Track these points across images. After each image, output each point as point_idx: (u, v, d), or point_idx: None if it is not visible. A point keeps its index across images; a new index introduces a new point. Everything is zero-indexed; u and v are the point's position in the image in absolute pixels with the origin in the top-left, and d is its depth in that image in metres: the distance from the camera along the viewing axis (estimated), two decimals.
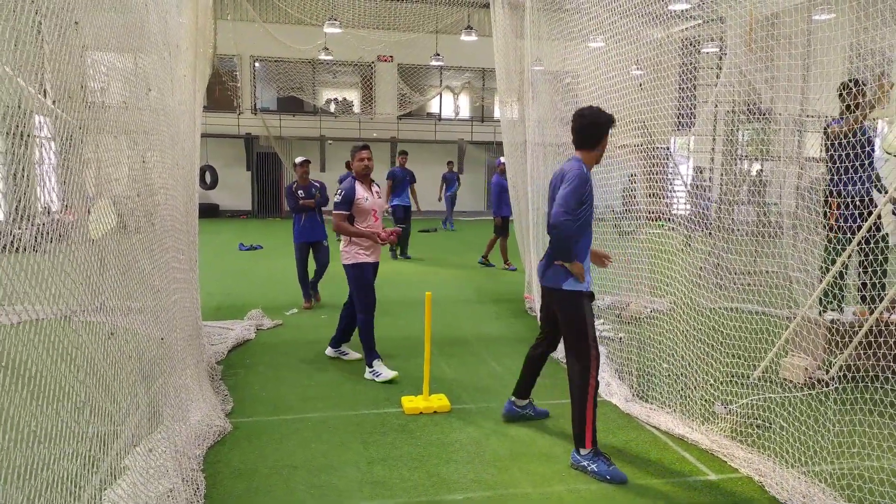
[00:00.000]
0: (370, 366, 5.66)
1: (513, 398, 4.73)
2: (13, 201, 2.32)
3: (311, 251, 8.51)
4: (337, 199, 5.61)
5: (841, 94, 4.94)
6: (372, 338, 5.71)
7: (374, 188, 5.86)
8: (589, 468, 3.89)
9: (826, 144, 5.25)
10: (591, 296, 4.14)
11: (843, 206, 5.24)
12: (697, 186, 8.77)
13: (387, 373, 5.57)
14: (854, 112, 4.82)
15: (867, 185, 5.25)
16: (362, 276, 5.64)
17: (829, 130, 5.13)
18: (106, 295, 2.86)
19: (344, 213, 5.59)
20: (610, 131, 4.16)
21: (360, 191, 5.65)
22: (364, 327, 5.69)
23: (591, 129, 4.10)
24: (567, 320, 4.10)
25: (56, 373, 2.36)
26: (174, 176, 4.47)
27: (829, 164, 5.27)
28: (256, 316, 7.55)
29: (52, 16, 2.48)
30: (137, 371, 3.23)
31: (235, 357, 6.16)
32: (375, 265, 5.78)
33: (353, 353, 6.18)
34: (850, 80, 4.90)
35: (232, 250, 14.14)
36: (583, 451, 3.96)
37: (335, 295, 9.11)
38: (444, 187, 20.20)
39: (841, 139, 4.85)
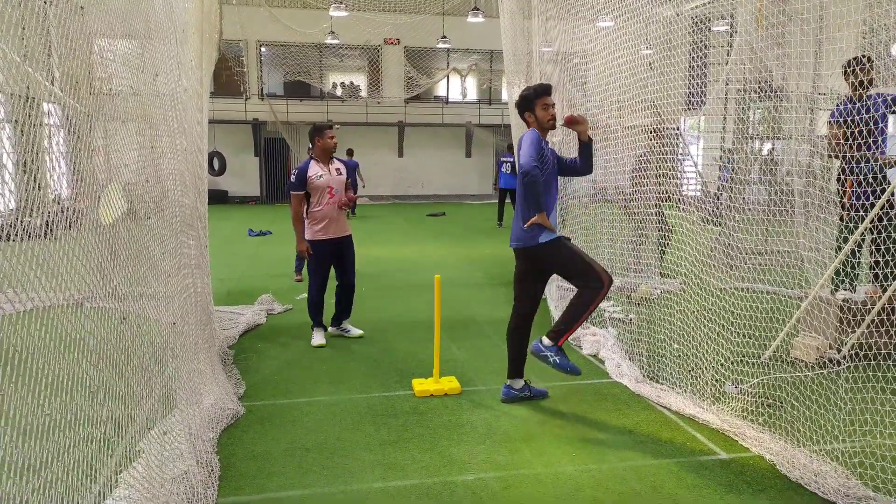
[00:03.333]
0: (312, 328, 6.20)
1: (508, 381, 4.77)
2: (24, 189, 2.34)
3: None
4: (291, 179, 5.97)
5: (846, 72, 4.88)
6: (316, 307, 6.11)
7: (335, 166, 6.05)
8: (551, 359, 4.35)
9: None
10: (567, 238, 4.56)
11: (856, 185, 5.18)
12: (723, 167, 8.65)
13: (318, 339, 6.06)
14: (858, 91, 4.77)
15: (880, 162, 5.18)
16: (315, 253, 5.96)
17: (830, 133, 5.07)
18: (117, 281, 2.88)
19: (299, 192, 5.91)
20: (541, 100, 4.48)
21: (315, 169, 5.92)
22: (311, 299, 6.10)
23: (518, 107, 4.57)
24: (563, 263, 4.47)
25: (70, 358, 2.38)
26: (183, 162, 4.48)
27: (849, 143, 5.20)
28: (267, 301, 7.59)
29: (59, 2, 2.48)
30: (150, 356, 3.26)
31: (247, 341, 6.21)
32: (338, 241, 6.01)
33: (355, 330, 6.37)
34: (863, 56, 4.82)
35: (241, 236, 14.19)
36: (546, 342, 4.36)
37: None
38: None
39: (834, 148, 4.88)
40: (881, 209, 4.94)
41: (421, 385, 4.91)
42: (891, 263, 4.78)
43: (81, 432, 2.45)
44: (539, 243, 4.41)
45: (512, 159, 15.56)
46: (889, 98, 5.02)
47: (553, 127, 4.56)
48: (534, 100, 4.51)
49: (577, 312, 4.37)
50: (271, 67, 24.92)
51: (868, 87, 4.94)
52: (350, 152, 17.73)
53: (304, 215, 6.02)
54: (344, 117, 23.48)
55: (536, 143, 4.38)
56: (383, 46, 24.39)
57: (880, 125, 5.02)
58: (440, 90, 26.49)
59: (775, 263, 5.72)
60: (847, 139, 4.85)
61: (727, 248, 5.10)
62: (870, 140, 4.89)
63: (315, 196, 5.90)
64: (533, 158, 4.31)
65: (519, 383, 4.75)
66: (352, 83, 25.60)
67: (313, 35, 22.05)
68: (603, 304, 6.95)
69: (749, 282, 5.69)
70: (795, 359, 5.18)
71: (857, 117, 4.63)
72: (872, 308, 5.04)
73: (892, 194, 5.02)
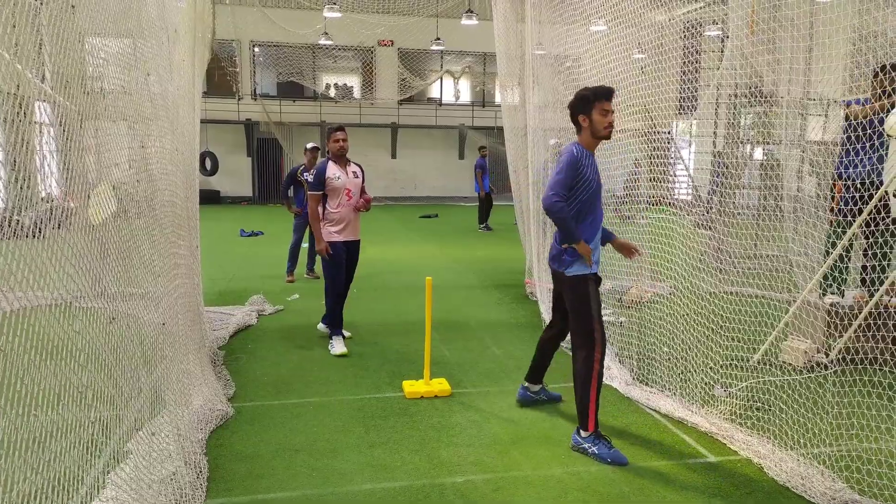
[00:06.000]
0: (330, 336, 6.05)
1: (525, 383, 4.74)
2: (14, 188, 2.33)
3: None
4: (310, 179, 5.96)
5: (878, 77, 4.89)
6: (335, 315, 6.00)
7: (352, 168, 6.02)
8: (590, 451, 3.93)
9: (844, 125, 5.18)
10: (596, 279, 4.12)
11: (845, 190, 5.22)
12: (717, 173, 8.69)
13: (339, 348, 5.88)
14: (882, 98, 4.78)
15: (868, 167, 5.21)
16: (333, 254, 5.88)
17: (849, 110, 5.05)
18: (107, 281, 2.87)
19: (317, 193, 5.86)
20: (600, 104, 3.96)
21: (333, 170, 5.88)
22: (329, 303, 6.00)
23: (572, 108, 4.06)
24: (572, 305, 4.12)
25: (58, 358, 2.37)
26: (174, 162, 4.46)
27: (843, 147, 5.23)
28: (258, 301, 7.57)
29: (50, 0, 2.47)
30: (139, 356, 3.24)
31: (237, 342, 6.19)
32: (350, 244, 5.99)
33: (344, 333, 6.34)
34: (889, 65, 4.86)
35: (233, 236, 14.15)
36: (584, 434, 4.00)
37: None
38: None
39: (860, 119, 4.80)
40: (869, 214, 4.98)
41: (411, 387, 4.91)
42: (878, 268, 4.82)
43: (70, 434, 2.44)
44: (566, 274, 4.08)
45: (479, 163, 15.72)
46: None
47: (608, 136, 4.02)
48: (592, 101, 3.96)
49: (585, 386, 3.98)
50: (264, 68, 24.87)
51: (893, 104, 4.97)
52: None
53: (321, 216, 5.97)
54: (337, 118, 23.43)
55: (567, 170, 3.92)
56: (377, 48, 24.38)
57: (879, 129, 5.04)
58: (433, 92, 26.49)
59: (765, 267, 5.75)
60: (849, 141, 4.84)
61: (717, 251, 5.12)
62: (857, 146, 4.93)
63: (332, 196, 5.87)
64: (555, 192, 3.89)
65: (536, 387, 4.72)
66: (345, 84, 25.59)
67: (307, 36, 22.02)
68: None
69: (739, 286, 5.72)
70: (784, 362, 5.21)
71: (874, 120, 4.63)
72: (860, 313, 5.07)
73: (881, 199, 5.06)
